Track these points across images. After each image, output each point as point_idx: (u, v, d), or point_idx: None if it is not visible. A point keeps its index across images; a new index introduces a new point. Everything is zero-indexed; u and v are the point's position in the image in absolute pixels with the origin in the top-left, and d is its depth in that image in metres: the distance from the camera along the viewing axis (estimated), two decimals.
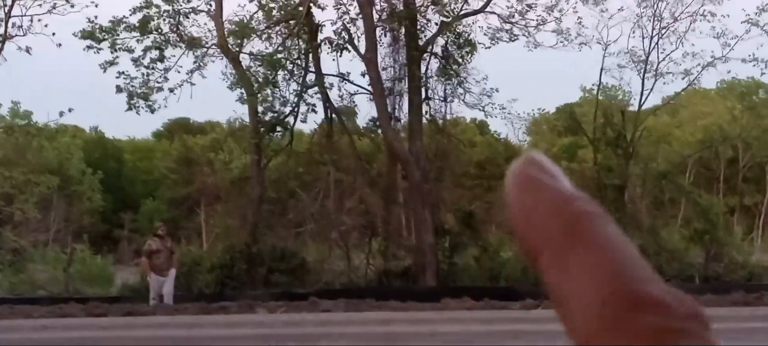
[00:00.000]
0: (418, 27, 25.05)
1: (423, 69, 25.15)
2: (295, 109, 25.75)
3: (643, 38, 25.41)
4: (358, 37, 25.04)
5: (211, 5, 25.24)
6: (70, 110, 28.33)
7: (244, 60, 25.41)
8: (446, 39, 25.56)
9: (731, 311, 17.86)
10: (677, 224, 28.50)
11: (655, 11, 25.22)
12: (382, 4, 24.94)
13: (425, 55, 25.21)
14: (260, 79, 25.25)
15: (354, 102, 26.34)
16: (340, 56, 25.48)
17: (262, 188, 25.08)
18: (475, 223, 25.46)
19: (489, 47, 25.85)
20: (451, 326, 15.82)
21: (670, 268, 23.41)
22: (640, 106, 25.96)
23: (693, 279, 22.89)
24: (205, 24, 25.48)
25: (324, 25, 25.57)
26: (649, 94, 25.64)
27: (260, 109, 25.29)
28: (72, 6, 24.56)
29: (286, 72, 25.48)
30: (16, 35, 24.59)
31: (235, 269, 23.59)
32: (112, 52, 24.84)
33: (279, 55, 25.19)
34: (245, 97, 25.26)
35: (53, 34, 24.87)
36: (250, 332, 15.38)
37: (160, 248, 20.18)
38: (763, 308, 18.75)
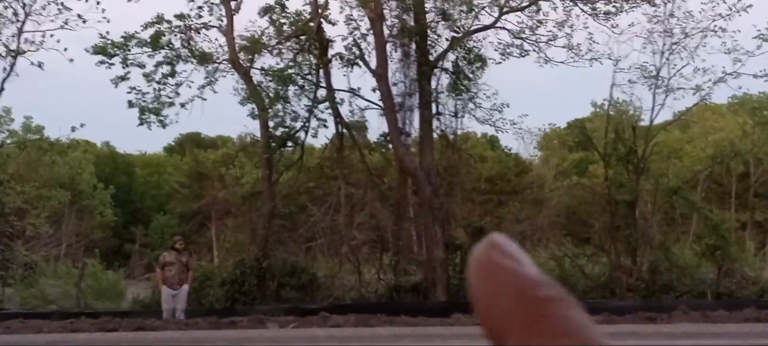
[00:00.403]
0: (429, 42, 25.06)
1: (433, 84, 25.17)
2: (306, 124, 25.82)
3: (654, 54, 25.38)
4: (369, 52, 25.10)
5: (222, 21, 25.34)
6: (81, 125, 28.47)
7: (255, 75, 25.50)
8: (457, 54, 25.59)
9: (743, 328, 17.82)
10: (689, 239, 28.41)
11: (665, 27, 25.20)
12: (392, 19, 24.99)
13: (436, 70, 25.21)
14: (271, 95, 25.30)
15: (365, 117, 26.37)
16: (351, 71, 25.57)
17: (272, 202, 25.09)
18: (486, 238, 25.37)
19: (499, 63, 25.88)
20: (462, 341, 15.79)
21: (682, 284, 23.35)
22: (651, 121, 25.91)
23: (705, 295, 22.81)
24: (217, 39, 25.59)
25: (334, 41, 25.66)
26: (660, 109, 25.57)
27: (271, 124, 25.35)
28: (84, 22, 24.67)
29: (297, 87, 25.55)
30: (29, 50, 24.72)
31: (245, 283, 23.60)
32: (123, 68, 24.95)
33: (290, 71, 25.25)
34: (256, 113, 25.31)
35: (65, 49, 24.98)
36: None
37: (173, 260, 20.24)
38: None
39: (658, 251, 24.11)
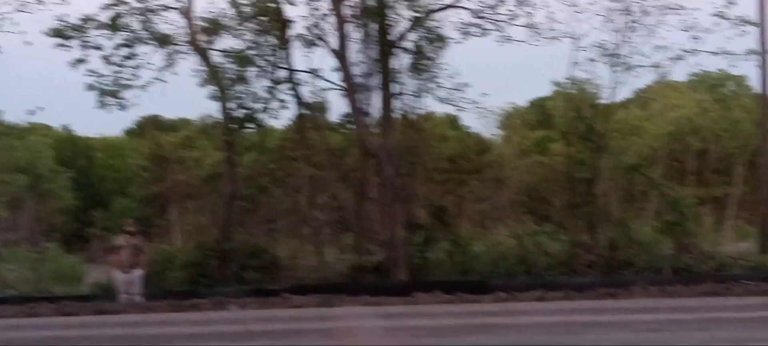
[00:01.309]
0: (389, 22, 25.02)
1: (394, 64, 25.14)
2: (267, 106, 25.67)
3: (613, 32, 25.48)
4: (329, 33, 25.04)
5: (182, 2, 25.14)
6: (40, 109, 28.17)
7: (215, 57, 25.33)
8: (417, 34, 25.54)
9: (701, 302, 18.03)
10: (648, 216, 28.65)
11: (625, 5, 25.30)
12: None
13: (397, 50, 25.19)
14: (231, 76, 25.15)
15: (326, 98, 26.30)
16: (312, 52, 25.46)
17: (233, 184, 25.02)
18: (447, 217, 25.53)
19: (460, 42, 25.88)
20: (423, 320, 15.85)
21: (641, 260, 23.56)
22: (610, 99, 26.04)
23: (664, 271, 23.04)
24: (176, 21, 25.36)
25: (295, 21, 25.52)
26: (620, 87, 25.69)
27: (231, 105, 25.20)
28: (41, 3, 24.39)
29: (257, 68, 25.38)
30: None
31: (206, 266, 23.52)
32: (82, 50, 24.70)
33: (250, 52, 25.11)
34: (216, 94, 25.16)
35: (23, 32, 24.66)
36: (222, 328, 15.35)
37: (124, 244, 20.21)
38: (732, 298, 18.93)
39: (617, 228, 24.34)
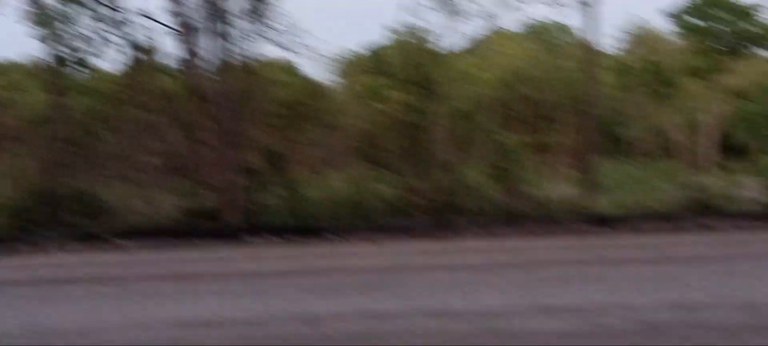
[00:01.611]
0: None
1: (229, 7, 24.78)
2: (97, 47, 24.93)
3: None
4: None
5: None
6: None
7: None
8: None
9: (527, 243, 18.80)
10: (478, 161, 29.33)
11: None
12: None
13: None
14: (58, 16, 24.29)
15: (159, 40, 25.70)
16: None
17: (61, 127, 24.28)
18: (282, 162, 25.50)
19: None
20: (255, 264, 15.90)
21: (471, 204, 24.17)
22: (445, 47, 26.44)
23: (493, 214, 23.68)
24: None
25: None
26: (452, 34, 26.11)
27: (59, 46, 24.37)
28: None
29: (86, 8, 24.59)
30: None
31: (32, 211, 22.79)
32: None
33: None
34: (43, 34, 24.26)
35: None
36: (45, 274, 14.97)
37: None
38: (556, 239, 19.80)
39: (449, 173, 24.84)
